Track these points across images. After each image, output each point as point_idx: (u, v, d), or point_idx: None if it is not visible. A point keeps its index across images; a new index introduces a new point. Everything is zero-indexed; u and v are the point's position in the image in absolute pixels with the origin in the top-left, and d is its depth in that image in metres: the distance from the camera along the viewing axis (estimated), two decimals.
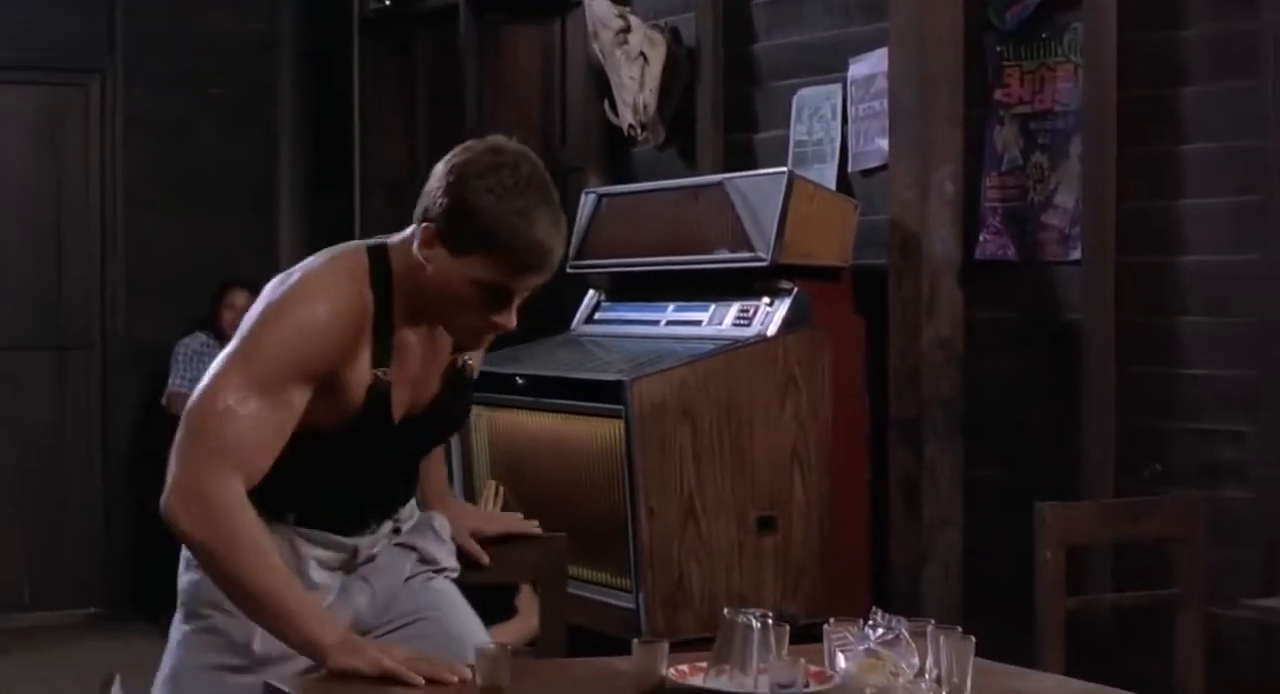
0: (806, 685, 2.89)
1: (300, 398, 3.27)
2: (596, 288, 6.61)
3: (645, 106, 7.04)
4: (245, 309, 10.69)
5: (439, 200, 3.26)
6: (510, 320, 3.32)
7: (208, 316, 8.90)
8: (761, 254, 5.80)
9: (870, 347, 5.95)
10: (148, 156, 9.36)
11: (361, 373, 3.33)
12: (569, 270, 6.68)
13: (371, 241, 3.42)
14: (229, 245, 9.34)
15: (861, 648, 2.96)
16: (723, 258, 5.97)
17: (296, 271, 3.36)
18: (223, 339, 8.68)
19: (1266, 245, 4.97)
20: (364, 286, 3.32)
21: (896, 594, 5.72)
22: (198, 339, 8.86)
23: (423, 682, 3.09)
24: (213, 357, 9.87)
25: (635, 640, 3.08)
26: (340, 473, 3.44)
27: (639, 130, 7.11)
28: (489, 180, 3.23)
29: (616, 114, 7.19)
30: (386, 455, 3.48)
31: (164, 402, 8.77)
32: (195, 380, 9.66)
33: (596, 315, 6.52)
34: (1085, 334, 5.40)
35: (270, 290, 3.36)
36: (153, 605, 8.47)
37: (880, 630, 2.99)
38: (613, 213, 6.55)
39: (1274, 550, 4.93)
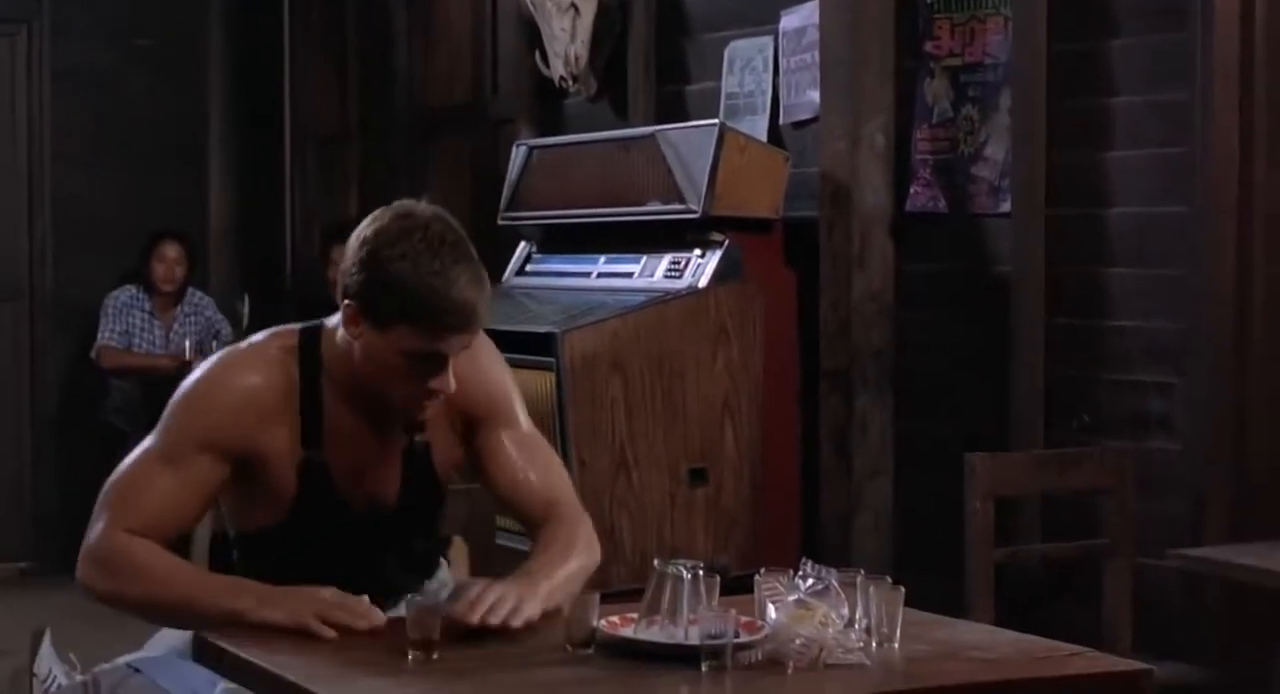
0: (737, 636, 2.90)
1: (211, 470, 3.27)
2: (528, 240, 6.60)
3: (577, 58, 7.01)
4: (175, 262, 10.55)
5: (355, 277, 3.19)
6: (449, 384, 3.24)
7: (137, 269, 8.83)
8: (693, 206, 5.80)
9: (801, 298, 5.95)
10: (75, 109, 9.27)
11: (284, 451, 3.30)
12: (500, 222, 6.67)
13: (308, 324, 3.38)
14: (158, 198, 9.27)
15: (792, 598, 2.97)
16: (654, 210, 5.96)
17: (225, 351, 3.41)
18: (152, 293, 8.64)
19: (1193, 198, 5.00)
20: (287, 366, 3.31)
21: (827, 545, 5.74)
22: (127, 292, 8.79)
23: (333, 634, 3.08)
24: (142, 309, 9.71)
25: None
26: (323, 568, 3.30)
27: (570, 82, 7.09)
28: (401, 247, 3.14)
29: (548, 66, 7.17)
30: (363, 548, 3.41)
31: (93, 355, 8.71)
32: (124, 333, 9.55)
33: (528, 267, 6.50)
34: (1014, 286, 5.42)
35: (198, 369, 3.37)
36: None
37: (810, 581, 3.01)
38: (544, 165, 6.54)
39: (1201, 501, 4.96)
